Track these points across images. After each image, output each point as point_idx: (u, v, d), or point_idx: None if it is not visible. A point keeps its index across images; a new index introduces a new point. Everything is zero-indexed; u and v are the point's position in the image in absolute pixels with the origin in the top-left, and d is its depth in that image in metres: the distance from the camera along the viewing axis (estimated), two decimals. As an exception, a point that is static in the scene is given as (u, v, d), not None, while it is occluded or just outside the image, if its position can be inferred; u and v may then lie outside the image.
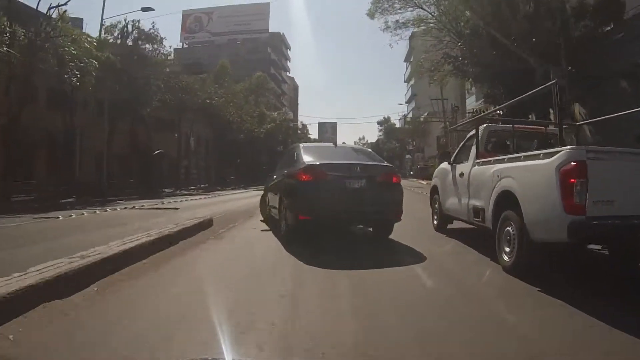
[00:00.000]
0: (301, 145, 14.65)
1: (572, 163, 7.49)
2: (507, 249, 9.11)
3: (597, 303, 6.59)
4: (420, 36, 44.08)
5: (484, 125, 12.98)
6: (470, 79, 39.39)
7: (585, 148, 7.85)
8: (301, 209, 12.15)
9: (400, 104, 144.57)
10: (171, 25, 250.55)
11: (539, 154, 8.60)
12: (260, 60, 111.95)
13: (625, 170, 7.72)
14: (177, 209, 24.20)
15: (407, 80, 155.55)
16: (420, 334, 5.51)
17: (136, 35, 44.77)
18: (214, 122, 65.06)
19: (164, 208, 25.20)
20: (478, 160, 11.77)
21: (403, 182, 13.96)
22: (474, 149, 12.33)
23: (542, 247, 8.34)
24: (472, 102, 75.92)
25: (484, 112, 38.40)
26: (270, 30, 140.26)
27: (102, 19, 42.02)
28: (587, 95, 29.77)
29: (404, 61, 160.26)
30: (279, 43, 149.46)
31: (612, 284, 8.29)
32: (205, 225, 15.09)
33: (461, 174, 12.67)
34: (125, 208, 26.12)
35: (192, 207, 25.35)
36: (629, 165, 7.87)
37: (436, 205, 15.33)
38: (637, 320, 5.81)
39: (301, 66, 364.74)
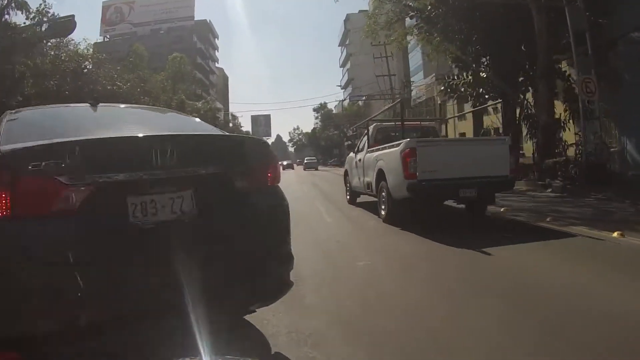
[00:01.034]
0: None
1: (408, 149, 12.40)
2: (383, 207, 14.00)
3: (435, 234, 10.88)
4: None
5: (374, 124, 18.98)
6: (438, 38, 30.79)
7: (417, 140, 13.20)
8: None
9: (339, 86, 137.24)
10: (92, 20, 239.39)
11: (394, 144, 13.63)
12: (185, 49, 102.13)
13: (443, 151, 12.97)
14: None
15: (343, 65, 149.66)
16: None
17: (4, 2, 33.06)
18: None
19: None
20: (369, 150, 16.62)
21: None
22: (366, 141, 17.77)
23: (399, 203, 13.10)
24: (419, 79, 70.18)
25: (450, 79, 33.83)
26: (196, 18, 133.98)
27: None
28: (606, 55, 24.08)
29: (339, 45, 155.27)
30: (206, 31, 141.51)
31: (459, 226, 13.39)
32: None
33: (359, 160, 17.46)
34: None
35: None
36: (445, 148, 13.41)
37: (347, 185, 20.12)
38: (452, 239, 10.10)
39: (232, 57, 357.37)
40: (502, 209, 14.94)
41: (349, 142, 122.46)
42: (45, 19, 32.97)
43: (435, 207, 14.66)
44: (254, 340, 5.08)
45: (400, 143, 12.94)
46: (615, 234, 9.77)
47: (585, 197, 18.14)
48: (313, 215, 15.74)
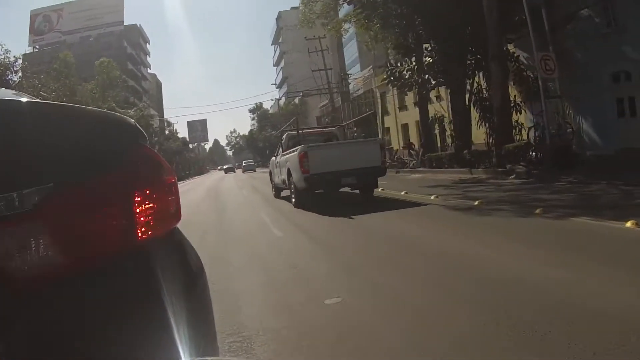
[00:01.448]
0: None
1: (302, 152, 16.78)
2: (293, 197, 18.49)
3: (325, 210, 15.39)
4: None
5: (286, 133, 23.32)
6: (378, 24, 29.38)
7: (308, 145, 17.61)
8: None
9: (274, 84, 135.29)
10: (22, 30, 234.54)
11: (296, 149, 17.71)
12: (115, 56, 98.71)
13: (328, 152, 17.63)
14: None
15: (277, 64, 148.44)
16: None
17: None
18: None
19: None
20: (283, 153, 20.76)
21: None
22: (281, 147, 22.22)
23: (302, 192, 17.57)
24: (356, 71, 69.21)
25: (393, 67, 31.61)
26: (125, 23, 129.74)
27: None
28: (559, 31, 22.69)
29: (272, 44, 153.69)
30: (136, 36, 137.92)
31: (352, 205, 17.04)
32: None
33: (277, 162, 22.23)
34: None
35: None
36: (329, 149, 18.07)
37: (272, 182, 25.04)
38: (336, 212, 14.76)
39: (165, 61, 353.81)
40: (475, 202, 13.51)
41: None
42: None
43: (330, 193, 19.22)
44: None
45: (298, 148, 17.68)
46: (629, 224, 8.15)
47: (556, 181, 16.72)
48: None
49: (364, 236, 10.84)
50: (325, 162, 16.89)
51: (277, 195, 23.49)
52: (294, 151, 18.17)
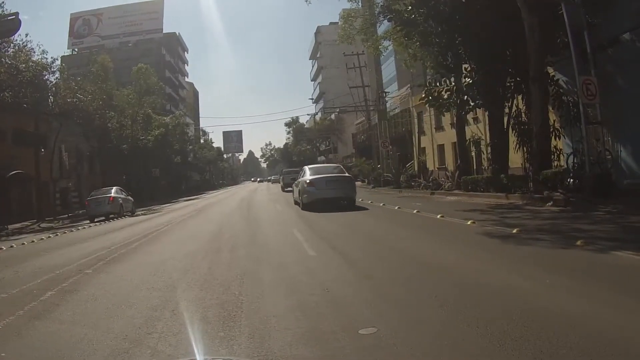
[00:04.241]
0: None
1: (282, 176, 73.05)
2: (282, 188, 66.82)
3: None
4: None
5: (283, 170, 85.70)
6: (418, 42, 29.08)
7: (283, 176, 71.06)
8: None
9: (310, 99, 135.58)
10: (62, 31, 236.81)
11: (281, 175, 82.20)
12: (153, 63, 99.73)
13: (288, 177, 63.17)
14: None
15: (314, 79, 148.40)
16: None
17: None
18: (90, 130, 51.34)
19: None
20: (281, 176, 75.92)
21: None
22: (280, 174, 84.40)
23: (283, 188, 63.64)
24: (394, 90, 68.87)
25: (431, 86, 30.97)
26: (165, 31, 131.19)
27: None
28: (601, 54, 21.85)
29: (310, 59, 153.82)
30: (175, 44, 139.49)
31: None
32: None
33: (279, 178, 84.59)
34: None
35: None
36: (289, 175, 62.49)
37: (280, 185, 71.08)
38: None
39: (203, 71, 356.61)
40: (514, 230, 12.63)
41: (323, 157, 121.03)
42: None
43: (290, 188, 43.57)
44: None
45: (282, 175, 71.32)
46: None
47: (594, 210, 16.16)
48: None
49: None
50: (287, 180, 54.58)
51: (282, 190, 57.07)
52: (281, 175, 68.98)
